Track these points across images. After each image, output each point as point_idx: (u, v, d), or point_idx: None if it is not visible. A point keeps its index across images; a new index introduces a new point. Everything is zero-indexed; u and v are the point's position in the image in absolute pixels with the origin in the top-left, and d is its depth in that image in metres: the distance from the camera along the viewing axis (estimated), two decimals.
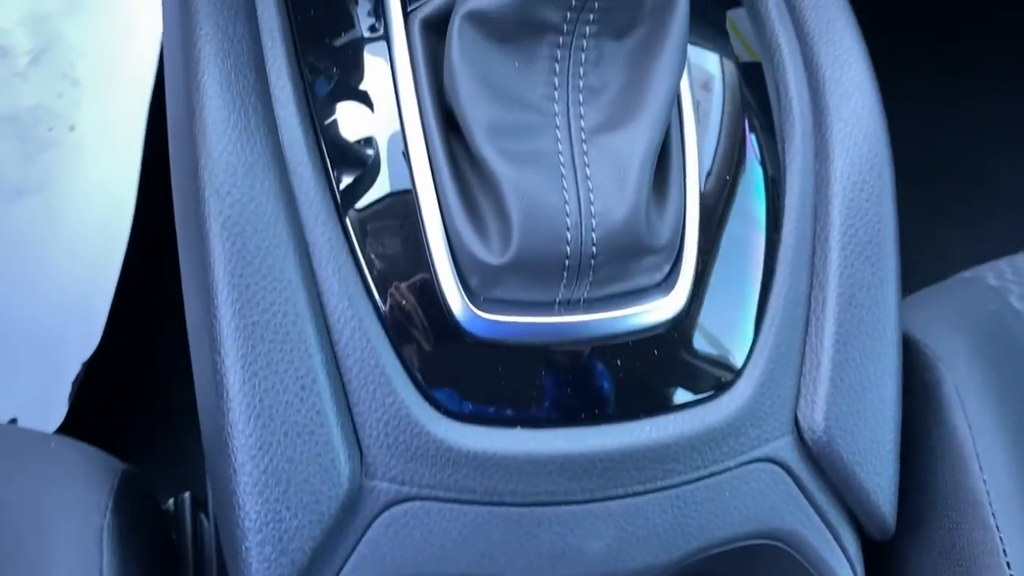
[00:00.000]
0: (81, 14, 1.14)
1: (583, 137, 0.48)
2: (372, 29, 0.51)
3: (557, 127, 0.48)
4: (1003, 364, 0.62)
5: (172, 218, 0.54)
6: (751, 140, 0.56)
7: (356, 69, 0.51)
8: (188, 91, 0.48)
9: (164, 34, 0.54)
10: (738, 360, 0.52)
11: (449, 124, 0.50)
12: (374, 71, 0.50)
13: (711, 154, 0.54)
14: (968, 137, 1.38)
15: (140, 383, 0.97)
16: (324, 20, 0.51)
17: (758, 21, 0.59)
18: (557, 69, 0.48)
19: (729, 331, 0.52)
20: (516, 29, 0.47)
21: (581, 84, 0.48)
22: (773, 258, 0.53)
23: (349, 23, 0.52)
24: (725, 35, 0.59)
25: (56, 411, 0.86)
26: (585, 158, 0.48)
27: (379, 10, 0.51)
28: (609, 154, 0.48)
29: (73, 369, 0.87)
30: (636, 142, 0.47)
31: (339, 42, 0.51)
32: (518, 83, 0.48)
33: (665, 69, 0.48)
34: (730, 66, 0.58)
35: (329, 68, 0.51)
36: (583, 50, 0.48)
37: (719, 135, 0.55)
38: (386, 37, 0.51)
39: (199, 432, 0.53)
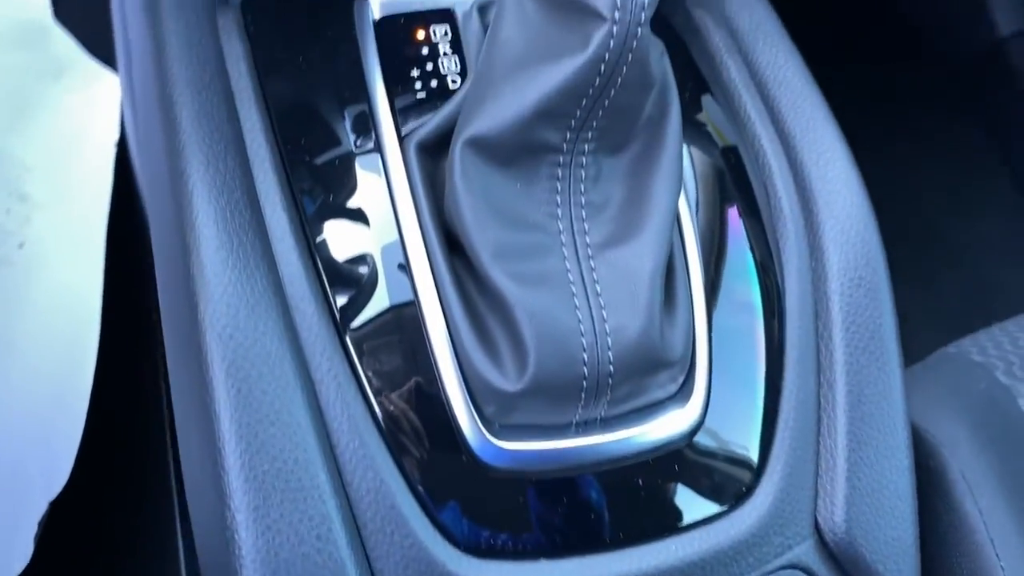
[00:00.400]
0: (27, 127, 1.11)
1: (589, 253, 0.48)
2: (366, 155, 0.50)
3: (563, 245, 0.47)
4: (1002, 444, 0.62)
5: (145, 337, 0.52)
6: (741, 226, 0.56)
7: (352, 197, 0.50)
8: (181, 231, 0.46)
9: (147, 171, 0.52)
10: (756, 466, 0.51)
11: (451, 246, 0.49)
12: (372, 198, 0.49)
13: (709, 252, 0.55)
14: (912, 197, 1.43)
15: (112, 523, 0.92)
16: (315, 149, 0.50)
17: (737, 120, 0.60)
18: (559, 188, 0.48)
19: (745, 437, 0.52)
20: (517, 152, 0.46)
21: (583, 201, 0.48)
22: (780, 359, 0.53)
23: (341, 150, 0.51)
24: (700, 124, 0.60)
25: (19, 556, 0.80)
26: (594, 275, 0.47)
27: (371, 135, 0.51)
28: (618, 269, 0.47)
29: (38, 508, 0.81)
30: (643, 256, 0.47)
31: (333, 170, 0.50)
32: (521, 204, 0.47)
33: (664, 180, 0.48)
34: (712, 157, 0.58)
35: (324, 197, 0.50)
36: (582, 167, 0.48)
37: (714, 230, 0.56)
38: (382, 162, 0.50)
39: (177, 574, 0.50)
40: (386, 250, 0.48)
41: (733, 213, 0.57)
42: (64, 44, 1.19)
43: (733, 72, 0.61)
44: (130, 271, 0.93)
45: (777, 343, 0.53)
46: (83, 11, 1.24)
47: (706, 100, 0.61)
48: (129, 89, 0.87)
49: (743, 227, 0.56)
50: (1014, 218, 1.38)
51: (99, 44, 1.20)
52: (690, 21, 0.64)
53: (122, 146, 1.01)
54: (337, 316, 0.47)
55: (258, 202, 0.48)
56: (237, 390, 0.43)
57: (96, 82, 1.14)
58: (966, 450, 0.61)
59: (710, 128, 0.60)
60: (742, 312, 0.54)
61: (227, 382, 0.43)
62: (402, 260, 0.48)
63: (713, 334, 0.52)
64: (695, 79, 0.62)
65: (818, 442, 0.53)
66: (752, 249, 0.56)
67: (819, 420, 0.53)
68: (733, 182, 0.58)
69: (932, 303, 1.37)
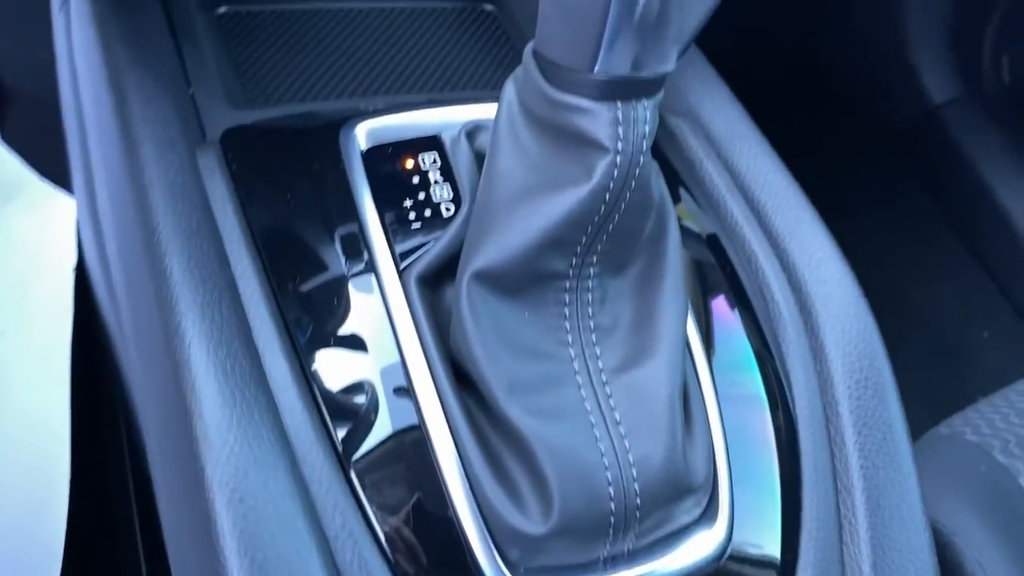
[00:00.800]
0: None
1: (604, 379, 0.46)
2: (365, 292, 0.49)
3: (576, 372, 0.46)
4: (1013, 528, 0.62)
5: (115, 471, 0.48)
6: (734, 317, 0.56)
7: (354, 338, 0.48)
8: (179, 389, 0.44)
9: (135, 322, 0.50)
10: None
11: (460, 380, 0.47)
12: (375, 338, 0.48)
13: (707, 346, 0.54)
14: (871, 266, 1.46)
15: None
16: (311, 290, 0.49)
17: (724, 225, 0.60)
18: (566, 313, 0.47)
19: (771, 552, 0.50)
20: (524, 281, 0.46)
21: (592, 324, 0.47)
22: (796, 467, 0.52)
23: (338, 289, 0.49)
24: (679, 218, 0.60)
25: None
26: (611, 401, 0.46)
27: (369, 271, 0.49)
28: (634, 394, 0.46)
29: None
30: (659, 378, 0.46)
31: (331, 311, 0.49)
32: (530, 333, 0.46)
33: (670, 296, 0.48)
34: (694, 251, 0.58)
35: (325, 340, 0.48)
36: (589, 291, 0.47)
37: (709, 324, 0.55)
38: (382, 299, 0.48)
39: None
40: (394, 395, 0.47)
41: (722, 304, 0.56)
42: (12, 165, 1.17)
43: (715, 177, 0.61)
44: (97, 400, 0.89)
45: (792, 450, 0.53)
46: (30, 131, 1.21)
47: (685, 197, 0.62)
48: (89, 213, 0.84)
49: (737, 318, 0.56)
50: (968, 280, 1.42)
51: (49, 163, 1.17)
52: (666, 127, 0.65)
53: (79, 269, 0.98)
54: (348, 466, 0.45)
55: (256, 350, 0.46)
56: (251, 559, 0.41)
57: (49, 203, 1.12)
58: (979, 539, 0.60)
59: (690, 222, 0.60)
60: (750, 408, 0.53)
61: (240, 551, 0.41)
62: (412, 405, 0.46)
63: (729, 444, 0.51)
64: (674, 181, 0.62)
65: (842, 550, 0.52)
66: (748, 338, 0.55)
67: (840, 527, 0.52)
68: (720, 274, 0.58)
69: (899, 369, 1.39)
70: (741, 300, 0.57)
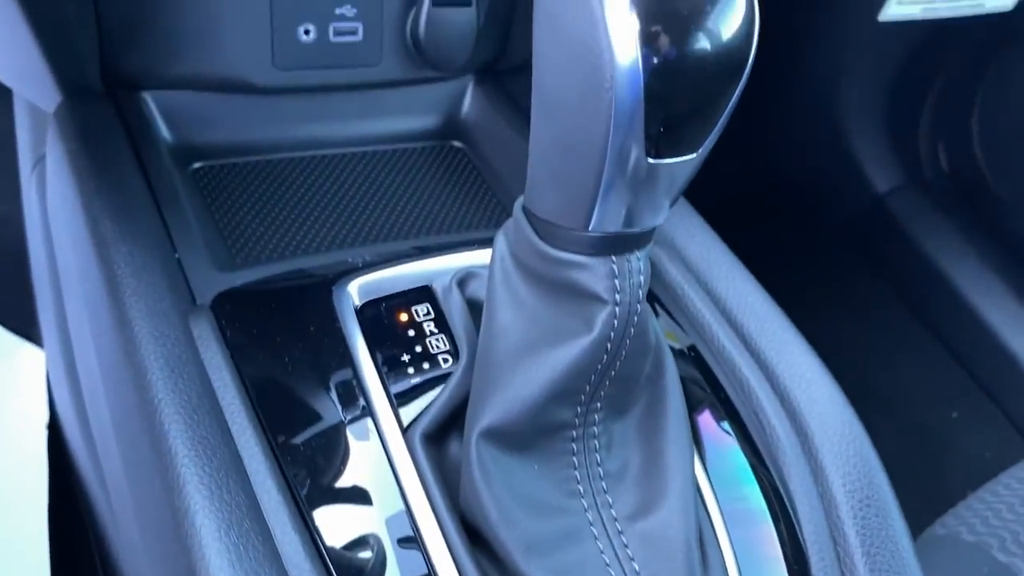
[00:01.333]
0: None
1: (619, 529, 0.46)
2: (371, 457, 0.48)
3: (591, 523, 0.46)
4: None
5: None
6: (725, 429, 0.56)
7: (365, 507, 0.47)
8: (191, 574, 0.42)
9: (135, 499, 0.49)
10: None
11: (471, 537, 0.47)
12: (385, 502, 0.47)
13: (712, 473, 0.54)
14: (834, 353, 1.48)
15: None
16: (317, 456, 0.48)
17: (711, 350, 0.61)
18: (575, 463, 0.47)
19: None
20: (532, 435, 0.46)
21: (601, 472, 0.47)
22: None
23: (344, 455, 0.48)
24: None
25: None
26: (628, 551, 0.46)
27: (374, 433, 0.49)
28: (650, 543, 0.46)
29: None
30: (674, 523, 0.46)
31: (339, 477, 0.48)
32: (541, 487, 0.46)
33: (674, 435, 0.48)
34: (684, 371, 0.59)
35: (335, 510, 0.47)
36: (595, 437, 0.47)
37: (705, 445, 0.55)
38: (389, 463, 0.48)
39: None
40: (409, 561, 0.46)
41: (715, 427, 0.57)
42: None
43: (698, 303, 0.63)
44: (77, 563, 0.86)
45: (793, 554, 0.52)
46: None
47: (669, 323, 0.63)
48: (65, 373, 0.83)
49: (733, 441, 0.56)
50: (929, 362, 1.45)
51: (6, 313, 1.16)
52: None
53: (52, 428, 0.96)
54: None
55: (267, 525, 0.45)
56: None
57: (16, 353, 1.10)
58: None
59: (675, 343, 0.61)
60: (759, 535, 0.53)
61: None
62: (428, 571, 0.45)
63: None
64: (658, 308, 0.63)
65: None
66: (744, 453, 0.55)
67: None
68: (714, 398, 0.58)
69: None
70: (736, 423, 0.58)
